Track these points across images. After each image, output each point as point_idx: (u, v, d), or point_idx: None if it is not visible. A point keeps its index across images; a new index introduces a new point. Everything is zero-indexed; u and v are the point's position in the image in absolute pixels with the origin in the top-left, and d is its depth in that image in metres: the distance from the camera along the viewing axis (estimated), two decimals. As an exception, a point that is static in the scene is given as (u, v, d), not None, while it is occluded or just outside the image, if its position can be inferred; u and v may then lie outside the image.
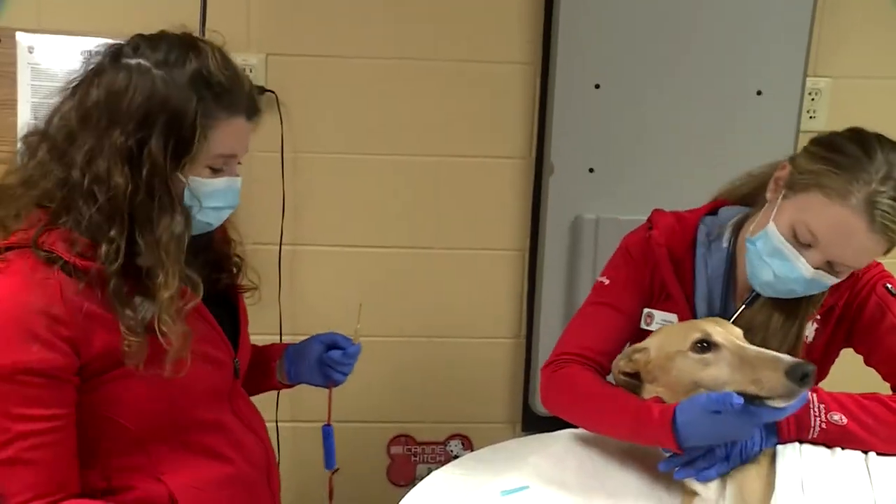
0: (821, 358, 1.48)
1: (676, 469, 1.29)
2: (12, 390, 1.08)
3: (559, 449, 1.54)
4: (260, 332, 1.46)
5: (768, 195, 1.37)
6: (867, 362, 1.47)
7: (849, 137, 1.29)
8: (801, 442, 1.26)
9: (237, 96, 1.18)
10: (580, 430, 1.57)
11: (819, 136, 1.32)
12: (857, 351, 1.48)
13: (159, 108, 1.11)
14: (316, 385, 1.55)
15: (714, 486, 1.27)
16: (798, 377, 1.13)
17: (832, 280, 1.32)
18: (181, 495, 1.23)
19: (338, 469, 1.62)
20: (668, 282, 1.48)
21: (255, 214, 1.37)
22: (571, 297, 2.20)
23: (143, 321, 1.12)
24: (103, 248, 1.09)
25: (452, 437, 2.32)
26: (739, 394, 1.17)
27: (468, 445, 2.33)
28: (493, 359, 2.29)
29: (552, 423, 1.60)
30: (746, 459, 1.25)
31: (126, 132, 1.10)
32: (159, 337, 1.12)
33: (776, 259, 1.32)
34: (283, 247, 2.14)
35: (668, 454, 1.32)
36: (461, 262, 2.23)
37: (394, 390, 2.27)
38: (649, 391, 1.35)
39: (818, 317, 1.42)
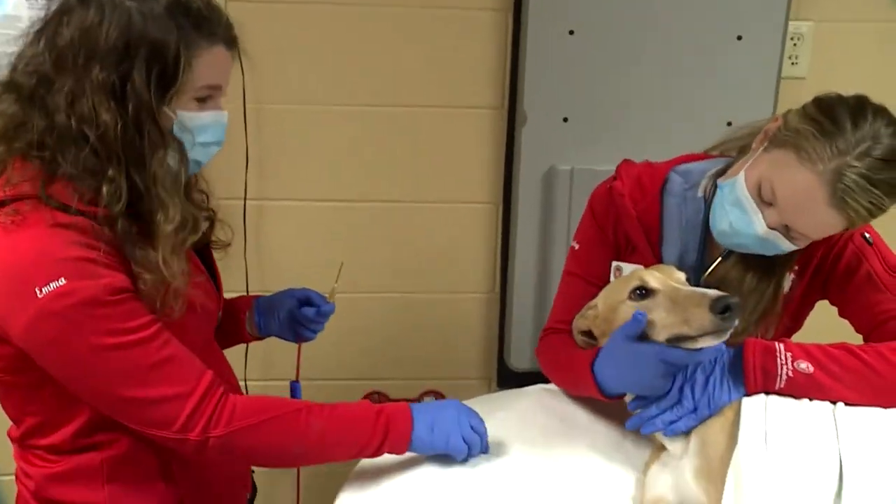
0: (796, 309, 1.45)
1: (644, 424, 1.26)
2: (113, 312, 1.08)
3: (527, 405, 1.52)
4: (225, 290, 1.42)
5: (753, 145, 1.33)
6: (841, 314, 1.44)
7: (845, 103, 1.24)
8: (767, 393, 1.23)
9: (216, 24, 1.15)
10: (551, 386, 1.55)
11: (822, 95, 1.27)
12: (832, 302, 1.45)
13: (138, 40, 1.08)
14: (285, 339, 1.52)
15: (680, 440, 1.24)
16: (720, 309, 1.11)
17: (787, 245, 1.30)
18: (160, 449, 1.22)
19: None
20: (633, 233, 1.44)
21: (217, 168, 1.32)
22: (546, 250, 2.15)
23: (153, 260, 1.11)
24: (105, 189, 1.07)
25: (426, 393, 2.29)
26: (674, 338, 1.18)
27: (442, 402, 2.30)
28: (467, 314, 2.25)
29: (527, 379, 1.58)
30: (715, 411, 1.22)
31: (106, 68, 1.07)
32: (165, 273, 1.11)
33: (736, 210, 1.29)
34: (247, 202, 2.08)
35: (634, 411, 1.29)
36: (432, 216, 2.18)
37: (366, 346, 2.23)
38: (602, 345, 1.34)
39: (795, 267, 1.40)
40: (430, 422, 1.25)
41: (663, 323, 1.19)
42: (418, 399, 2.29)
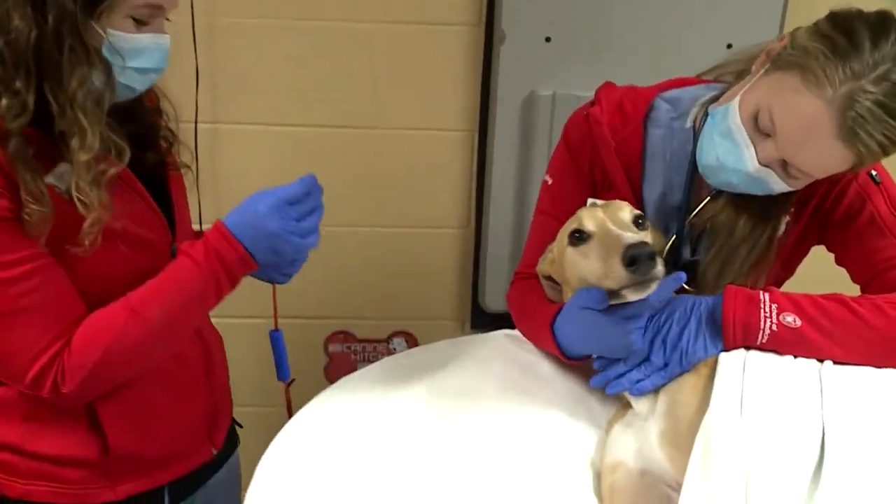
0: (789, 255, 1.31)
1: (609, 384, 1.14)
2: None
3: (488, 353, 1.38)
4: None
5: (753, 68, 1.16)
6: (839, 261, 1.29)
7: (865, 18, 1.06)
8: (748, 349, 1.08)
9: None
10: (516, 332, 1.42)
11: (838, 10, 1.09)
12: (829, 248, 1.30)
13: None
14: (256, 277, 1.38)
15: (647, 398, 1.11)
16: (628, 261, 1.00)
17: (780, 185, 1.14)
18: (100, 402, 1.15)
19: (293, 380, 1.46)
20: (610, 167, 1.29)
21: (166, 88, 1.19)
22: (524, 182, 2.00)
23: (65, 188, 1.03)
24: (4, 101, 0.98)
25: (396, 334, 2.16)
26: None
27: (413, 343, 2.17)
28: (440, 251, 2.10)
29: (502, 321, 1.45)
30: (687, 367, 1.08)
31: None
32: (78, 207, 1.02)
33: (726, 141, 1.14)
34: (199, 125, 1.90)
35: (598, 367, 1.15)
36: (402, 144, 2.01)
37: (332, 284, 2.09)
38: (565, 293, 1.21)
39: (792, 209, 1.24)
40: (254, 237, 1.12)
41: (601, 272, 1.06)
42: (387, 340, 2.16)
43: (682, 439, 1.00)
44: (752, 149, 1.11)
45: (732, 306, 1.09)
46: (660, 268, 1.02)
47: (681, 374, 1.09)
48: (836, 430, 0.94)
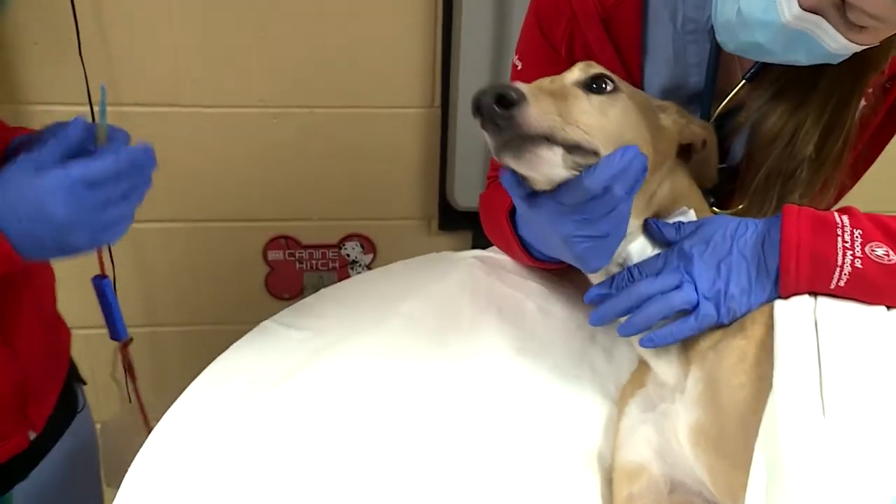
0: (864, 150, 0.96)
1: (618, 324, 0.83)
2: None
3: (454, 285, 1.05)
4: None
5: None
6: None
7: None
8: (814, 295, 0.75)
9: None
10: (489, 253, 1.09)
11: None
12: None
13: None
14: None
15: (670, 359, 0.79)
16: (474, 111, 0.71)
17: (834, 41, 0.78)
18: None
19: (131, 339, 1.13)
20: (594, 40, 0.94)
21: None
22: (499, 54, 1.61)
23: None
24: None
25: (349, 237, 1.81)
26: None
27: (370, 248, 1.83)
28: (400, 135, 1.72)
29: (475, 221, 1.15)
30: (726, 319, 0.77)
31: None
32: None
33: None
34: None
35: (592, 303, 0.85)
36: (353, 5, 1.59)
37: (268, 177, 1.71)
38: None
39: (869, 90, 0.90)
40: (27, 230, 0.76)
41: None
42: (338, 246, 1.82)
43: (727, 443, 0.69)
44: None
45: (796, 232, 0.76)
46: (534, 118, 0.70)
47: (720, 329, 0.77)
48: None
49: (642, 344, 0.80)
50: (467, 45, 1.61)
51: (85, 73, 1.50)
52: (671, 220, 0.84)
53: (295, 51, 1.62)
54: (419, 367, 0.89)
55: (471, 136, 1.69)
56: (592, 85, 0.78)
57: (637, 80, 0.97)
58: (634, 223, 0.81)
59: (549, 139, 0.71)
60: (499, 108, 0.69)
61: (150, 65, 1.57)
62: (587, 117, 0.74)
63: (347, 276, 1.82)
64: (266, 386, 0.88)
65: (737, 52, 0.86)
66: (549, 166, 0.72)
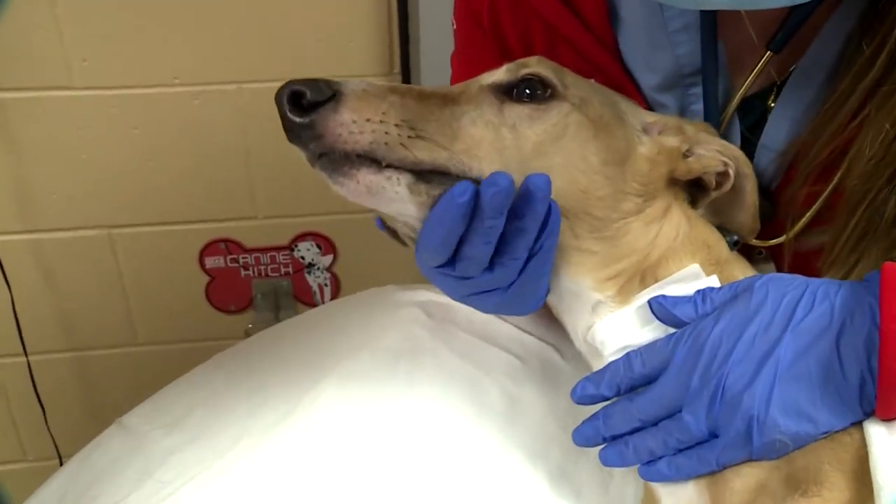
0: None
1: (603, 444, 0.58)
2: None
3: (383, 351, 0.74)
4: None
5: None
6: None
7: None
8: None
9: None
10: (439, 298, 0.80)
11: None
12: None
13: None
14: None
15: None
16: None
17: None
18: None
19: None
20: (550, 14, 0.70)
21: None
22: None
23: None
24: None
25: (301, 236, 1.51)
26: None
27: (328, 248, 1.53)
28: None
29: None
30: (772, 455, 0.50)
31: None
32: None
33: None
34: None
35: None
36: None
37: (196, 170, 1.41)
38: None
39: None
40: None
41: None
42: (290, 247, 1.51)
43: None
44: None
45: None
46: (343, 126, 0.52)
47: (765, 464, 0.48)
48: None
49: (643, 476, 0.53)
50: (428, -4, 1.29)
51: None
52: (678, 285, 0.55)
53: (215, 15, 1.30)
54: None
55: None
56: (516, 90, 0.56)
57: (613, 50, 0.69)
58: (595, 293, 0.55)
59: (375, 159, 0.50)
60: (293, 110, 0.51)
61: (27, 42, 1.25)
62: (476, 130, 0.53)
63: (305, 283, 1.53)
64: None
65: (706, 5, 0.56)
66: (384, 199, 0.51)
